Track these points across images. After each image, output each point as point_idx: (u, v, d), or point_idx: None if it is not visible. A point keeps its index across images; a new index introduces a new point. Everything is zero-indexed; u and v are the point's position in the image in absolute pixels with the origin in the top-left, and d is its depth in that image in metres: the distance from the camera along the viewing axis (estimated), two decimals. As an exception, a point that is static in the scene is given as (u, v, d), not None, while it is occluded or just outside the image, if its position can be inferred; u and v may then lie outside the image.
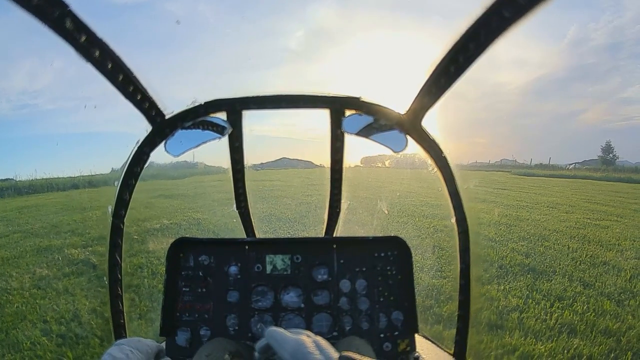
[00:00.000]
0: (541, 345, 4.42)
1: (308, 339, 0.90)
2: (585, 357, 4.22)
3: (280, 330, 0.97)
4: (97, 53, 0.96)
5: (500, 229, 10.61)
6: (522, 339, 4.57)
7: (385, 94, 1.41)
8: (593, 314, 5.28)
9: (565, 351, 4.33)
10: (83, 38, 0.89)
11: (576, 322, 5.02)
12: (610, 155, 68.24)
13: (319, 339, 0.92)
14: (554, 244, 9.09)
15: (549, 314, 5.25)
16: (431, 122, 1.37)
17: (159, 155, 1.47)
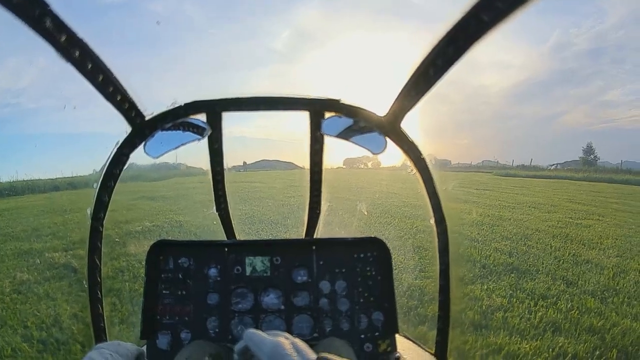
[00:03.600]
0: (526, 344, 4.43)
1: (286, 340, 0.91)
2: (570, 355, 4.25)
3: (258, 332, 0.98)
4: (77, 53, 0.96)
5: (483, 229, 10.68)
6: (507, 338, 4.58)
7: (366, 96, 1.43)
8: (577, 311, 5.34)
9: (550, 349, 4.35)
10: (63, 38, 0.89)
11: (560, 320, 5.08)
12: (592, 156, 69.41)
13: (297, 340, 0.92)
14: (537, 243, 9.22)
15: (533, 313, 5.29)
16: (413, 124, 1.40)
17: (140, 157, 1.47)
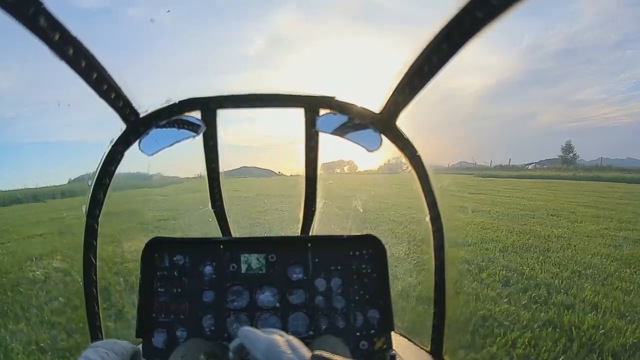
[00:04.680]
0: None
1: (281, 338, 1.00)
2: None
3: (254, 330, 1.07)
4: (71, 51, 1.06)
5: (532, 256, 8.74)
6: None
7: (358, 93, 1.57)
8: None
9: None
10: (57, 36, 0.99)
11: None
12: (571, 154, 73.64)
13: (292, 338, 1.01)
14: (620, 281, 7.12)
15: None
16: (405, 121, 1.54)
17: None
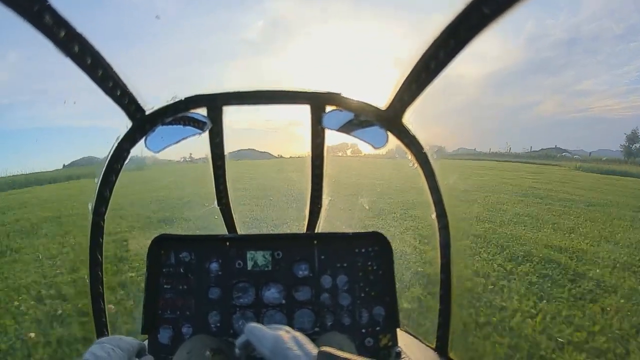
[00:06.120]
0: None
1: (287, 334, 1.01)
2: None
3: (260, 326, 1.08)
4: (76, 48, 1.07)
5: None
6: None
7: (362, 91, 1.57)
8: None
9: None
10: (62, 33, 1.00)
11: None
12: (637, 145, 63.02)
13: (298, 334, 1.02)
14: None
15: None
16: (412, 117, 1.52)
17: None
